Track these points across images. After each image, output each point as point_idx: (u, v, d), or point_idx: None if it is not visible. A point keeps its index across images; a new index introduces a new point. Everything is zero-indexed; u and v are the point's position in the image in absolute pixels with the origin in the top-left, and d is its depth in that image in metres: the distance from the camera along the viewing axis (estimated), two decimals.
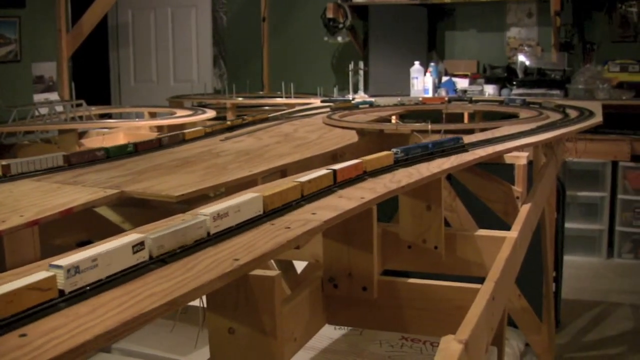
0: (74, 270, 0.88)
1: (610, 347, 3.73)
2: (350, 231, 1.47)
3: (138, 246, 0.98)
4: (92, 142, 3.64)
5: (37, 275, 0.84)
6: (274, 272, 1.03)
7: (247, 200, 1.22)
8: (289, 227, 1.19)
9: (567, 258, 4.28)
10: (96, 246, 0.97)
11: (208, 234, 1.12)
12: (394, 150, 1.77)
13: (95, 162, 2.01)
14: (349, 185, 1.55)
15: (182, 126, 3.55)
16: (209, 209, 1.16)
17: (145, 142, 2.25)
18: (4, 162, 1.81)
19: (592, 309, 4.24)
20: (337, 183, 1.52)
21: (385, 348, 1.85)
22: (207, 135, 2.63)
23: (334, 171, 1.52)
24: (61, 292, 0.86)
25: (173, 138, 2.41)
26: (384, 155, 1.72)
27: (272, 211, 1.29)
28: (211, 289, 0.92)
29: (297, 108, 3.87)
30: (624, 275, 4.88)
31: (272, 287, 1.01)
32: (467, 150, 1.98)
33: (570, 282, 4.38)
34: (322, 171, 1.51)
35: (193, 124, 3.63)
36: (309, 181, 1.42)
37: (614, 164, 5.10)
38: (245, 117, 3.07)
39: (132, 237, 0.99)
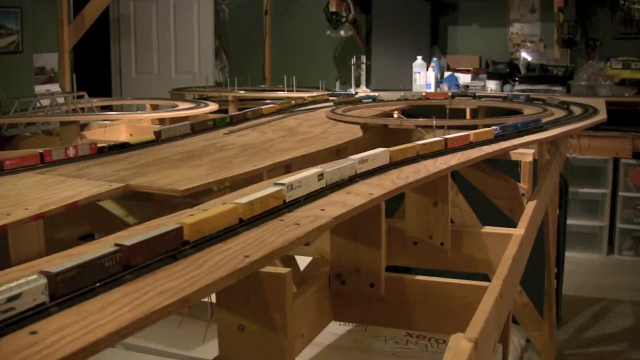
0: (290, 187, 1.27)
1: (611, 344, 3.74)
2: (358, 227, 1.46)
3: (320, 176, 1.37)
4: (94, 134, 3.62)
5: (271, 188, 1.23)
6: (284, 270, 1.02)
7: (380, 152, 1.62)
8: (298, 224, 1.17)
9: (567, 254, 4.27)
10: (296, 174, 1.35)
11: (356, 172, 1.51)
12: (494, 127, 2.14)
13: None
14: (460, 150, 1.90)
15: (185, 119, 3.53)
16: (356, 155, 1.55)
17: (237, 115, 2.81)
18: (155, 129, 2.15)
19: (593, 305, 4.24)
20: (448, 148, 1.88)
21: (390, 344, 1.85)
22: (279, 111, 3.10)
23: (445, 139, 1.88)
24: (284, 202, 1.24)
25: (254, 112, 2.92)
26: (486, 131, 2.09)
27: (396, 163, 1.68)
28: (223, 286, 0.91)
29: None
30: (624, 272, 4.88)
31: (284, 285, 1.00)
32: (545, 130, 2.34)
33: (570, 278, 4.38)
34: (435, 138, 1.87)
35: (195, 117, 3.62)
36: (423, 144, 1.80)
37: (616, 161, 5.09)
38: (305, 98, 3.60)
39: (315, 169, 1.38)
